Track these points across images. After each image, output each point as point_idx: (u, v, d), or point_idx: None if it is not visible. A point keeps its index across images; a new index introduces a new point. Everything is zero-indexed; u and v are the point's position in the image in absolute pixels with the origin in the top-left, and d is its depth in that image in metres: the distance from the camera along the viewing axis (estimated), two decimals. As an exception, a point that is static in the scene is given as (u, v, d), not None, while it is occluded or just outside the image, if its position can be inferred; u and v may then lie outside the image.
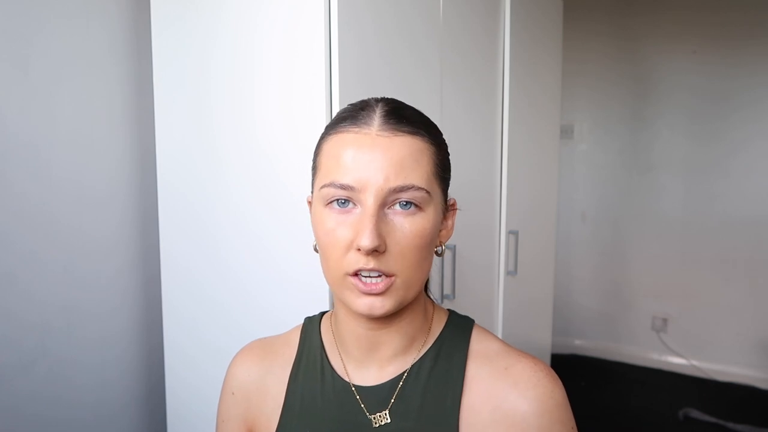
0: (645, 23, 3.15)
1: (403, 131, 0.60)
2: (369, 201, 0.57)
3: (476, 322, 0.74)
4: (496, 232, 1.74)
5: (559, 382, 0.65)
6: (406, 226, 0.59)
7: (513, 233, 1.78)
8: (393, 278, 0.59)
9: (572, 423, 0.65)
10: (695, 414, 2.64)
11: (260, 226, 1.17)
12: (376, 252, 0.57)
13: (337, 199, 0.59)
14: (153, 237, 1.38)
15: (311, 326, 0.76)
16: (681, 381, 3.08)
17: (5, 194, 1.12)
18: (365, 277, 0.59)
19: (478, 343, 0.69)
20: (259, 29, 1.13)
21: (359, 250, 0.57)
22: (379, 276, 0.59)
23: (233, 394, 0.76)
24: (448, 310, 0.75)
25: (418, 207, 0.59)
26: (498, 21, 1.68)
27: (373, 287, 0.58)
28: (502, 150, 1.73)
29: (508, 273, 1.78)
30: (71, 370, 1.25)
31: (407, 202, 0.59)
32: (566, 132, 3.36)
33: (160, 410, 1.42)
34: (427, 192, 0.60)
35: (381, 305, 0.59)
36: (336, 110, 1.04)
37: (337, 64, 1.04)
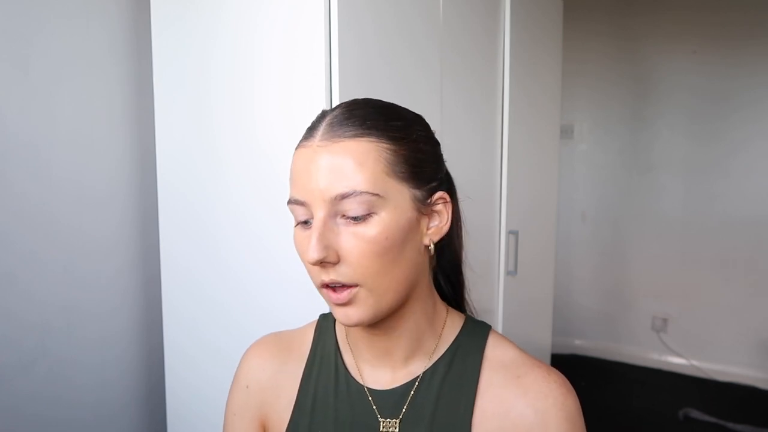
0: (645, 23, 3.15)
1: (346, 136, 0.58)
2: (317, 214, 0.58)
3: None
4: (496, 232, 1.74)
5: (573, 393, 0.64)
6: (359, 232, 0.57)
7: (513, 233, 1.78)
8: (356, 288, 0.58)
9: None
10: (695, 414, 2.64)
11: (260, 226, 1.17)
12: (327, 263, 0.57)
13: (302, 221, 0.61)
14: (153, 237, 1.37)
15: (326, 324, 0.75)
16: (681, 381, 3.08)
17: (5, 194, 1.12)
18: (332, 287, 0.59)
19: (493, 350, 0.67)
20: (259, 29, 1.13)
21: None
22: (343, 287, 0.58)
23: (247, 387, 0.75)
24: (465, 315, 0.73)
25: (369, 213, 0.57)
26: (498, 21, 1.68)
27: (338, 297, 0.59)
28: (502, 150, 1.73)
29: (508, 273, 1.77)
30: (71, 370, 1.25)
31: (356, 216, 0.57)
32: (566, 132, 3.36)
33: (160, 410, 1.42)
34: (376, 195, 0.57)
35: (354, 314, 0.59)
36: (336, 110, 1.04)
37: (337, 64, 1.04)
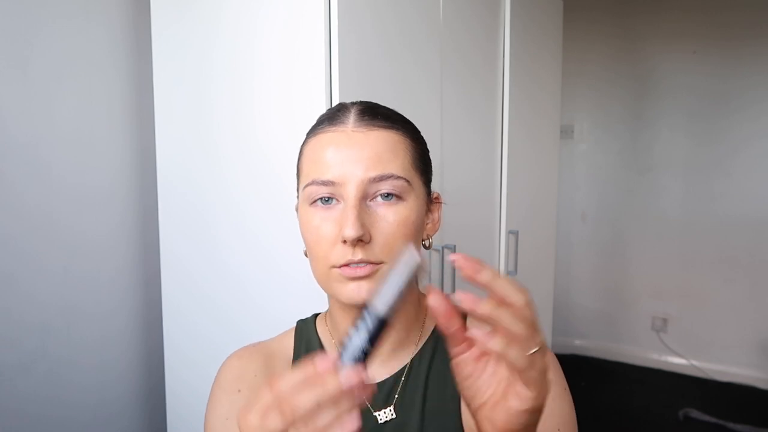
0: (645, 23, 3.15)
1: (378, 126, 0.62)
2: (350, 193, 0.59)
3: None
4: (496, 232, 1.74)
5: (553, 355, 0.68)
6: (390, 215, 0.60)
7: (513, 233, 1.78)
8: (379, 265, 0.60)
9: (568, 395, 0.67)
10: (695, 414, 2.64)
11: (260, 226, 1.17)
12: (361, 242, 0.58)
13: (321, 198, 0.61)
14: (153, 237, 1.38)
15: (306, 327, 0.76)
16: (681, 381, 3.08)
17: (5, 194, 1.12)
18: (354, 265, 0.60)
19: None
20: (259, 29, 1.13)
21: (345, 242, 0.58)
22: (367, 264, 0.59)
23: (239, 390, 0.75)
24: None
25: (399, 197, 0.61)
26: (498, 21, 1.68)
27: (359, 270, 0.59)
28: (502, 150, 1.73)
29: (508, 273, 1.77)
30: (71, 370, 1.25)
31: (388, 194, 0.60)
32: (566, 132, 3.36)
33: (160, 410, 1.42)
34: (407, 181, 0.61)
35: (367, 288, 0.59)
36: (336, 110, 1.04)
37: (337, 64, 1.04)
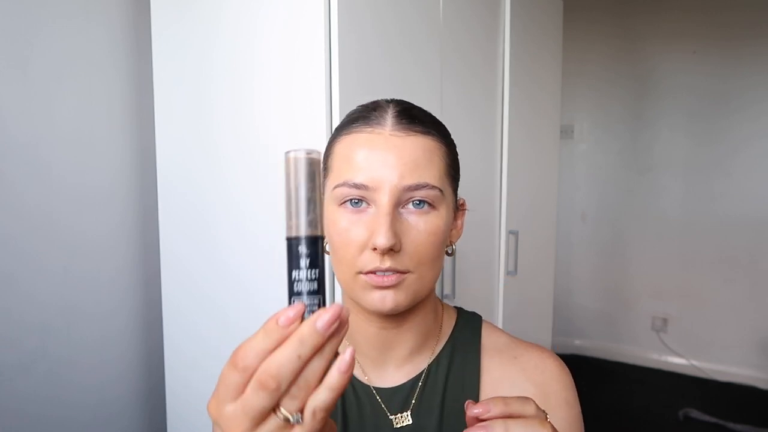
0: (645, 23, 3.15)
1: (416, 131, 0.60)
2: (383, 200, 0.57)
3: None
4: (496, 232, 1.74)
5: (566, 367, 0.69)
6: (421, 224, 0.59)
7: (513, 233, 1.78)
8: (406, 274, 0.59)
9: (578, 406, 0.67)
10: (695, 414, 2.64)
11: (260, 226, 1.17)
12: (391, 251, 0.57)
13: (351, 199, 0.59)
14: (153, 236, 1.38)
15: None
16: (681, 381, 3.08)
17: (5, 194, 1.12)
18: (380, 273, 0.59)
19: (488, 338, 0.71)
20: (259, 30, 1.13)
21: (375, 249, 0.57)
22: (393, 273, 0.58)
23: None
24: (456, 307, 0.76)
25: (432, 206, 0.59)
26: (498, 21, 1.68)
27: (385, 279, 0.58)
28: (502, 150, 1.73)
29: (508, 273, 1.77)
30: (71, 370, 1.25)
31: (420, 201, 0.59)
32: (566, 132, 3.36)
33: (160, 410, 1.42)
34: (440, 190, 0.60)
35: (393, 298, 0.59)
36: (336, 111, 1.04)
37: (337, 64, 1.04)
